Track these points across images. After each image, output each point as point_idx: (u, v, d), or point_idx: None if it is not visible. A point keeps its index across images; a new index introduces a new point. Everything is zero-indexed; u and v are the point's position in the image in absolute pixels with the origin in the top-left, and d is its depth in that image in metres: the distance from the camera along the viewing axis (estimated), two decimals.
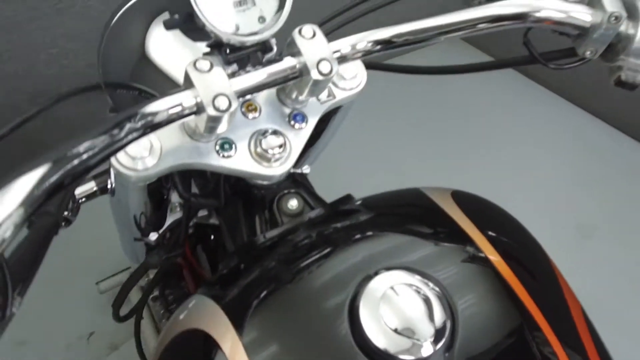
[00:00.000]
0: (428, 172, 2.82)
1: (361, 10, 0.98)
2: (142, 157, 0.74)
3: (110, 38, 0.93)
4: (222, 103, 0.67)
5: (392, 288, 0.72)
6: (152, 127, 0.64)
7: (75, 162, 0.55)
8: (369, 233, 0.85)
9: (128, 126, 0.61)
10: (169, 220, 1.07)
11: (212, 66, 0.68)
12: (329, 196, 0.97)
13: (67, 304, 2.26)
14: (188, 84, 0.68)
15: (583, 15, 0.80)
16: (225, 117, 0.68)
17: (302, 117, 0.86)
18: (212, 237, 1.31)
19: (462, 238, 0.84)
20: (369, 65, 0.91)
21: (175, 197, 1.08)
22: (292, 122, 0.85)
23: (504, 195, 2.60)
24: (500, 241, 0.85)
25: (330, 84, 0.91)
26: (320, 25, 0.98)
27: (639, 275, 2.44)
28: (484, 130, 2.99)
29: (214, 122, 0.70)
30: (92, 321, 2.21)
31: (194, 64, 0.67)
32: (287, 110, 0.86)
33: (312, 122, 0.87)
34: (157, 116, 0.64)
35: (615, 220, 2.65)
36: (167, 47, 0.84)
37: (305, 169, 1.04)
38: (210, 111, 0.67)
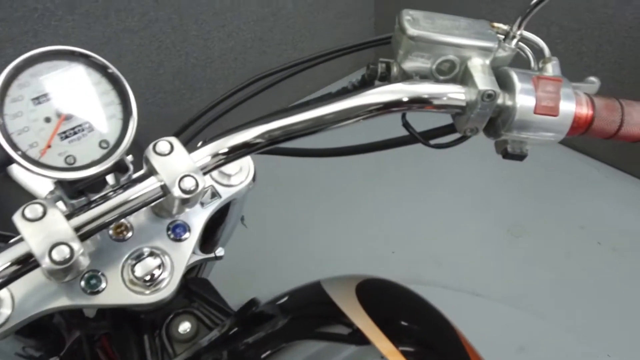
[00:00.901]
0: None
1: (220, 110, 0.82)
2: None
3: None
4: (61, 253, 0.52)
5: None
6: None
7: None
8: (273, 348, 0.72)
9: None
10: (69, 340, 0.90)
11: (45, 211, 0.53)
12: None
13: None
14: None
15: (457, 94, 0.67)
16: (74, 263, 0.52)
17: (183, 228, 0.71)
18: None
19: (358, 339, 0.72)
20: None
21: None
22: (172, 236, 0.70)
23: (441, 206, 2.72)
24: (400, 334, 0.75)
25: (214, 183, 0.75)
26: (179, 134, 0.82)
27: (562, 268, 2.43)
28: (414, 156, 2.85)
29: (61, 272, 0.54)
30: None
31: (22, 212, 0.52)
32: (165, 223, 0.70)
33: (197, 230, 0.72)
34: None
35: (539, 220, 2.64)
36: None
37: (219, 252, 0.86)
38: (47, 265, 0.51)
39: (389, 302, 0.81)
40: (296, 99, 2.98)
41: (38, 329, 0.85)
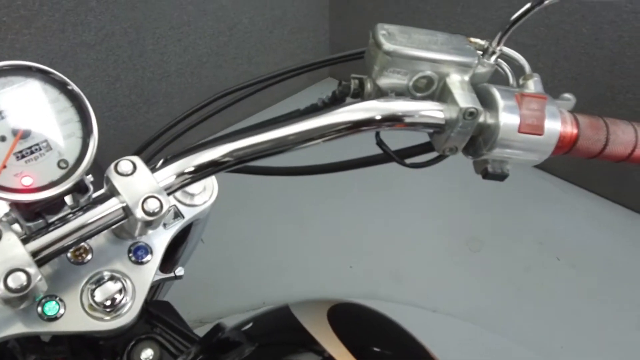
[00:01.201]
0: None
1: (181, 128, 0.79)
2: None
3: None
4: (18, 280, 0.49)
5: None
6: None
7: None
8: None
9: None
10: None
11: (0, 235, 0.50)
12: None
13: None
14: None
15: (436, 112, 0.64)
16: (31, 290, 0.50)
17: (145, 250, 0.68)
18: None
19: None
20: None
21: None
22: (133, 258, 0.67)
23: (399, 219, 2.73)
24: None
25: (176, 203, 0.72)
26: (139, 152, 0.79)
27: (521, 283, 2.44)
28: (370, 170, 2.83)
29: (18, 300, 0.51)
30: None
31: None
32: (126, 245, 0.67)
33: (159, 252, 0.69)
34: None
35: (498, 234, 2.65)
36: None
37: (179, 272, 0.83)
38: (2, 292, 0.49)
39: (363, 328, 0.79)
40: (252, 113, 3.04)
41: None
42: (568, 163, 2.82)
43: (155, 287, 0.97)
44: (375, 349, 0.75)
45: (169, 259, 0.88)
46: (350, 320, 0.79)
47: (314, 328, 0.72)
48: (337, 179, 2.69)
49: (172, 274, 0.81)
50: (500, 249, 2.58)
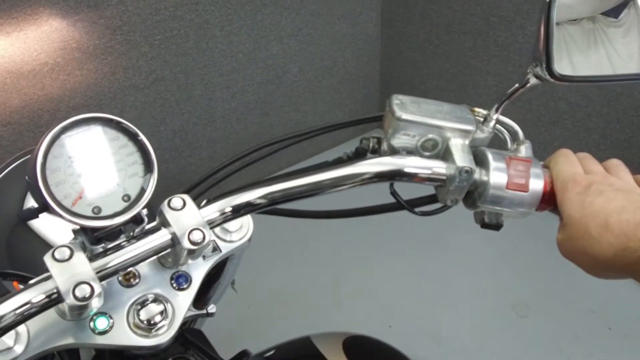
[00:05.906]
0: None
1: (230, 170, 0.95)
2: (8, 347, 0.68)
3: None
4: (83, 291, 0.62)
5: None
6: (8, 327, 0.61)
7: None
8: None
9: None
10: None
11: (72, 253, 0.64)
12: None
13: None
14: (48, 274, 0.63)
15: (439, 169, 0.80)
16: (92, 301, 0.63)
17: (185, 278, 0.81)
18: None
19: None
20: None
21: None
22: (175, 285, 0.81)
23: (443, 278, 2.72)
24: None
25: (215, 238, 0.87)
26: (190, 190, 0.94)
27: (569, 352, 2.43)
28: (418, 227, 2.87)
29: (79, 309, 0.65)
30: None
31: (52, 253, 0.64)
32: (169, 272, 0.81)
33: (197, 280, 0.82)
34: (13, 314, 0.61)
35: (547, 300, 2.65)
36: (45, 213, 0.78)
37: (211, 309, 0.97)
38: (70, 301, 0.62)
39: (373, 357, 0.92)
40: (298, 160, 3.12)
41: None
42: None
43: (189, 322, 1.11)
44: None
45: (202, 297, 1.01)
46: (362, 350, 0.92)
47: (331, 356, 0.86)
48: (375, 230, 2.77)
49: (204, 311, 0.95)
50: (549, 315, 2.57)
